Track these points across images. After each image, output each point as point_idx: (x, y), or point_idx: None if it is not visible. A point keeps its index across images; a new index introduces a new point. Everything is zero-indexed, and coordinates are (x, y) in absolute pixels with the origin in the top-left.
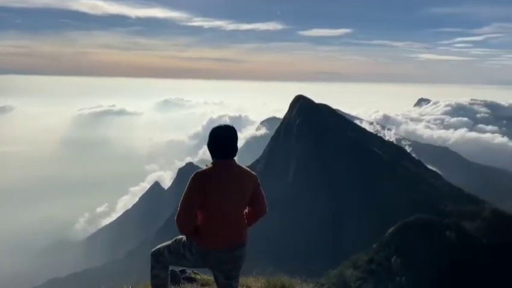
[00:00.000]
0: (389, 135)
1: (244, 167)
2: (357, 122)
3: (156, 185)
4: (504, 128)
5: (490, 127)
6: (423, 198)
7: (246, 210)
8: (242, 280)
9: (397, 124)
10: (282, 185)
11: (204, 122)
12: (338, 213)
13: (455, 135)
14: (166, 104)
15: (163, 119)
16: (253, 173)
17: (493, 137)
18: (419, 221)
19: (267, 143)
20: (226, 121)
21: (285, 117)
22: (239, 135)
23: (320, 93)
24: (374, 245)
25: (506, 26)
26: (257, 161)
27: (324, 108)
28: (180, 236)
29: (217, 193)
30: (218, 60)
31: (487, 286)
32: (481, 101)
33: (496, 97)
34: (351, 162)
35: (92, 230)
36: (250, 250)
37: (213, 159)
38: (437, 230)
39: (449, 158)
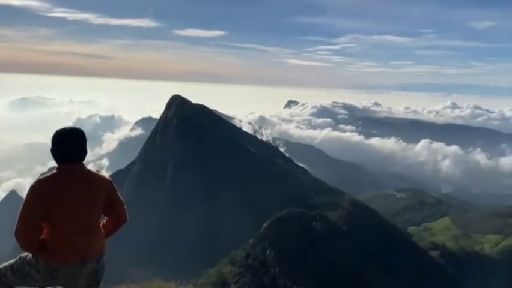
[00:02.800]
0: (266, 135)
1: (96, 171)
2: (235, 122)
3: (13, 194)
4: (360, 128)
5: (348, 127)
6: (294, 193)
7: (105, 219)
8: None
9: (272, 124)
10: (160, 186)
11: (71, 123)
12: (216, 212)
13: (321, 135)
14: (24, 102)
15: (20, 119)
16: (107, 178)
17: (351, 135)
18: (289, 215)
19: (142, 144)
20: (97, 122)
21: (161, 117)
22: (111, 135)
23: (197, 94)
24: (251, 240)
25: (358, 37)
26: (132, 163)
27: (202, 109)
28: (25, 253)
29: (61, 203)
30: (86, 56)
31: (350, 267)
32: (341, 103)
33: (352, 100)
34: (228, 161)
35: None
36: (128, 256)
37: (57, 164)
38: (306, 221)
39: (315, 156)
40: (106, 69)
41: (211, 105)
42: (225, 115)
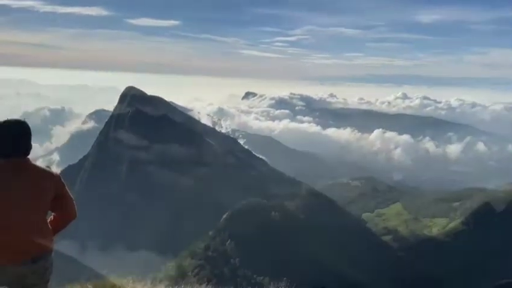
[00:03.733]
0: (225, 127)
1: (41, 166)
2: (193, 114)
3: None
4: (317, 119)
5: (306, 118)
6: (253, 184)
7: (52, 215)
8: None
9: (231, 116)
10: (115, 180)
11: (16, 116)
12: (175, 205)
13: (279, 126)
14: None
15: None
16: (54, 173)
17: (308, 126)
18: (248, 206)
19: (95, 138)
20: (46, 114)
21: (115, 109)
22: (62, 129)
23: (152, 85)
24: (210, 232)
25: (313, 29)
26: (85, 158)
27: (158, 100)
28: None
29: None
30: (34, 45)
31: (309, 255)
32: (298, 95)
33: (309, 91)
34: (187, 154)
35: None
36: (83, 253)
37: None
38: (264, 211)
39: (274, 147)
40: (55, 59)
41: (167, 96)
42: (182, 107)
